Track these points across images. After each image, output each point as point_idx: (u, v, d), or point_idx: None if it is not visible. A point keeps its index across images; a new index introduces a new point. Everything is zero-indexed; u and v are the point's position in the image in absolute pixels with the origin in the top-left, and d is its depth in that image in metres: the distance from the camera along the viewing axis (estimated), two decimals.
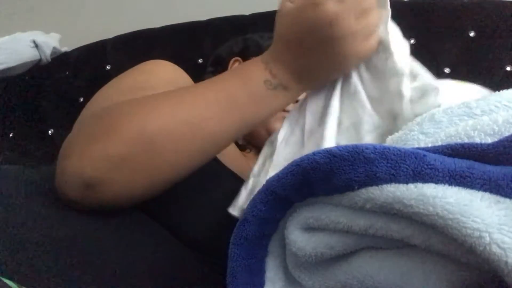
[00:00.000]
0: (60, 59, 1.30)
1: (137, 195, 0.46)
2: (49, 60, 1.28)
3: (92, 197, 0.43)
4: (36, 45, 1.24)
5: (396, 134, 0.37)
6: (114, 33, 1.28)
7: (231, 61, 0.87)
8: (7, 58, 1.20)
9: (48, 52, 1.26)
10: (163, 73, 0.65)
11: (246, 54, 0.87)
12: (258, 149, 0.87)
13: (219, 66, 0.89)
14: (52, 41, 1.28)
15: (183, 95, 0.49)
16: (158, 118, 0.45)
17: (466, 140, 0.31)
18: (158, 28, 1.23)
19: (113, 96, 0.56)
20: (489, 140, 0.30)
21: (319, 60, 0.48)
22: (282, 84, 0.49)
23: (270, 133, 0.80)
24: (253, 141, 0.84)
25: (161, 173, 0.45)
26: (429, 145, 0.33)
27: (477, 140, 0.31)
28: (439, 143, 0.32)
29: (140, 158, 0.44)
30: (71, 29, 1.41)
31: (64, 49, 1.32)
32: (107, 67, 1.24)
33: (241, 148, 0.80)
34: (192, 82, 0.71)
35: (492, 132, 0.30)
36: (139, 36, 1.25)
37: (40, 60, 1.27)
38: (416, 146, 0.34)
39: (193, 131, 0.45)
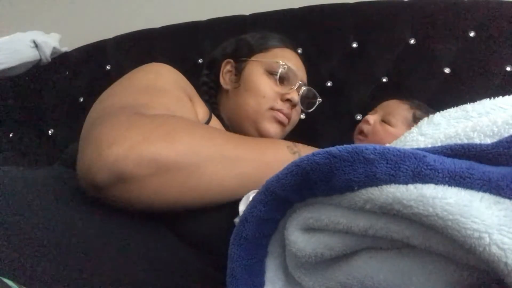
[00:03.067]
0: (60, 59, 1.30)
1: (156, 207, 0.48)
2: (49, 60, 1.28)
3: (117, 190, 0.45)
4: (36, 45, 1.24)
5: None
6: (114, 33, 1.28)
7: (224, 63, 0.87)
8: (7, 58, 1.20)
9: (48, 52, 1.26)
10: (168, 74, 0.68)
11: (237, 55, 0.87)
12: None
13: (213, 69, 0.89)
14: (52, 41, 1.28)
15: (228, 135, 0.58)
16: (213, 146, 0.52)
17: (465, 141, 0.31)
18: (158, 28, 1.23)
19: (129, 92, 0.60)
20: (489, 141, 0.30)
21: None
22: (298, 152, 0.64)
23: (260, 133, 0.80)
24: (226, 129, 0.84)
25: (188, 192, 0.49)
26: (429, 145, 0.32)
27: (477, 141, 0.31)
28: (439, 144, 0.32)
29: (182, 173, 0.47)
30: (71, 29, 1.41)
31: (64, 49, 1.32)
32: (107, 67, 1.24)
33: None
34: (190, 84, 0.72)
35: (491, 133, 0.30)
36: (139, 36, 1.24)
37: (40, 60, 1.27)
38: (416, 146, 0.34)
39: (233, 166, 0.52)
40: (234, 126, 0.83)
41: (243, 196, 0.53)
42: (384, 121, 0.79)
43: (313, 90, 0.88)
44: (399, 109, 0.80)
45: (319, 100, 0.90)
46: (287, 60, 0.83)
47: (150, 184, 0.45)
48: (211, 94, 0.86)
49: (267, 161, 0.56)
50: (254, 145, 0.58)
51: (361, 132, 0.81)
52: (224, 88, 0.85)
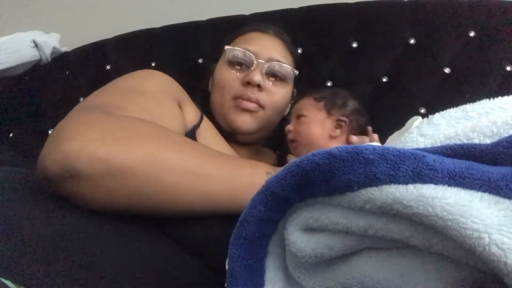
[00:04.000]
0: (60, 59, 1.30)
1: (112, 208, 0.47)
2: (49, 60, 1.28)
3: (69, 186, 0.44)
4: (36, 45, 1.24)
5: (395, 136, 0.37)
6: (114, 33, 1.28)
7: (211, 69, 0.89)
8: (7, 58, 1.20)
9: (48, 52, 1.26)
10: (154, 79, 0.67)
11: (215, 58, 0.88)
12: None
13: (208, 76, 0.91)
14: (52, 41, 1.28)
15: (201, 149, 0.54)
16: (178, 158, 0.48)
17: (465, 141, 0.31)
18: (158, 28, 1.23)
19: (108, 93, 0.60)
20: (488, 141, 0.30)
21: None
22: None
23: (230, 126, 0.78)
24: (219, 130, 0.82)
25: (143, 199, 0.47)
26: (429, 146, 0.32)
27: (476, 141, 0.31)
28: (438, 144, 0.32)
29: (137, 179, 0.45)
30: (71, 29, 1.41)
31: (64, 49, 1.32)
32: (107, 67, 1.24)
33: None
34: (182, 89, 0.72)
35: (491, 134, 0.30)
36: (139, 36, 1.24)
37: (40, 60, 1.27)
38: (415, 147, 0.34)
39: (194, 182, 0.49)
40: (219, 126, 0.82)
41: (208, 215, 0.51)
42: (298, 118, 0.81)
43: (281, 63, 0.81)
44: (301, 103, 0.82)
45: (295, 72, 0.84)
46: (246, 44, 0.80)
47: (102, 184, 0.44)
48: (204, 98, 0.87)
49: (239, 183, 0.52)
50: (229, 164, 0.54)
51: (291, 142, 0.81)
52: (209, 91, 0.86)
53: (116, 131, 0.47)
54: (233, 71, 0.79)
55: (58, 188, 0.45)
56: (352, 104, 0.81)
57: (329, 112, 0.78)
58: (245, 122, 0.78)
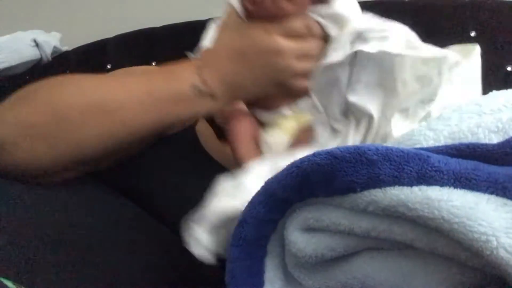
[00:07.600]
0: (61, 58, 1.30)
1: (41, 165, 0.46)
2: (50, 59, 1.28)
3: None
4: (37, 44, 1.24)
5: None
6: (114, 33, 1.28)
7: None
8: (7, 57, 1.20)
9: (48, 51, 1.26)
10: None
11: None
12: None
13: None
14: (52, 40, 1.28)
15: (106, 80, 0.52)
16: (75, 95, 0.47)
17: (469, 137, 0.30)
18: (158, 28, 1.23)
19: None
20: (493, 136, 0.30)
21: (255, 76, 0.49)
22: (210, 92, 0.49)
23: None
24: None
25: (65, 147, 0.46)
26: (432, 141, 0.32)
27: (481, 136, 0.30)
28: (442, 140, 0.31)
29: (47, 128, 0.45)
30: (71, 28, 1.41)
31: (65, 48, 1.32)
32: (108, 66, 1.23)
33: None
34: None
35: (496, 129, 0.30)
36: (139, 35, 1.24)
37: (40, 59, 1.27)
38: (422, 140, 0.33)
39: (104, 115, 0.46)
40: None
41: (140, 142, 0.50)
42: None
43: None
44: None
45: None
46: None
47: (21, 146, 0.45)
48: None
49: (158, 101, 0.48)
50: (142, 85, 0.49)
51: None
52: None
53: (19, 94, 0.49)
54: None
55: None
56: None
57: None
58: None
